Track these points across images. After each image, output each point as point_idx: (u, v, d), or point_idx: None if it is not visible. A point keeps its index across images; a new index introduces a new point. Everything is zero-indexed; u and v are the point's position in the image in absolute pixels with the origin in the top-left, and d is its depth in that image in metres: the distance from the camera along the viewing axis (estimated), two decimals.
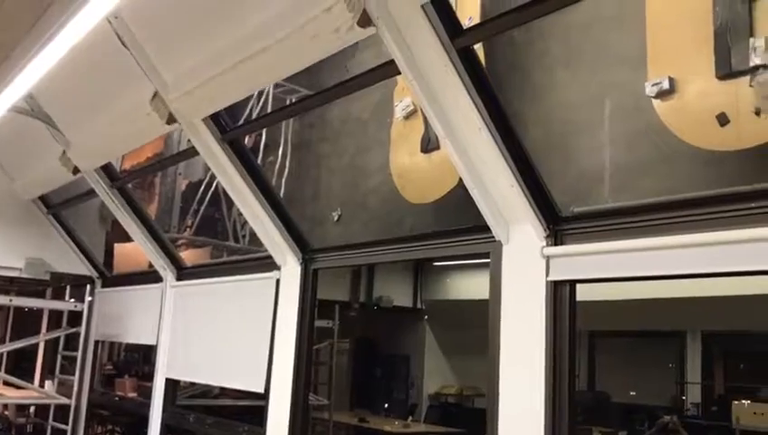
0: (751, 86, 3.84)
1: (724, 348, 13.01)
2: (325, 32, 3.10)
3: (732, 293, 7.86)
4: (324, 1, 3.03)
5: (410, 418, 11.58)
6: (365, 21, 2.93)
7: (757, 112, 3.74)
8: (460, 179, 3.37)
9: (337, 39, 3.09)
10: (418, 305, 12.41)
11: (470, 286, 10.91)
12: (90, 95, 5.26)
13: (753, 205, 2.56)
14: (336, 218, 8.03)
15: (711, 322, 10.94)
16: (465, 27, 3.05)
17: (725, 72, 3.95)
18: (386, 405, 12.56)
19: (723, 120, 3.85)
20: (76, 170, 5.99)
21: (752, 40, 3.87)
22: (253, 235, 5.19)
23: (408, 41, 2.99)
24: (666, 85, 4.24)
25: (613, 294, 8.56)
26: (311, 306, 4.69)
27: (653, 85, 4.31)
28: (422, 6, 2.86)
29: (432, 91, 3.11)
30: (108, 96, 5.08)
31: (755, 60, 3.82)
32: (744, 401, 10.18)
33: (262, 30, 3.48)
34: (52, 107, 5.72)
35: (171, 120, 4.41)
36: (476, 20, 4.47)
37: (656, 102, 4.35)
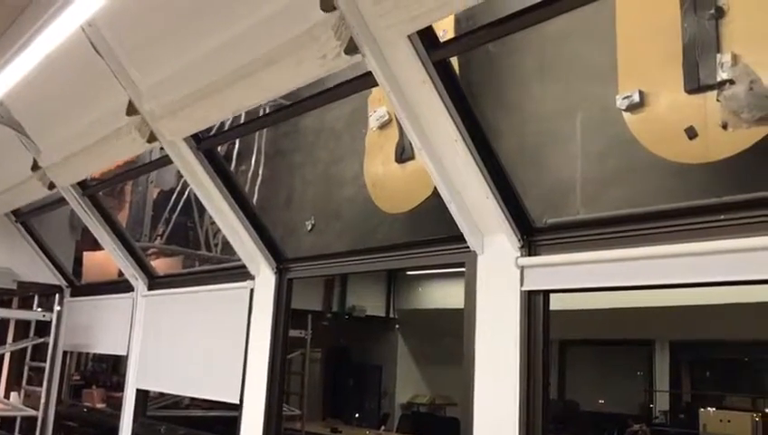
0: (718, 100, 3.93)
1: (691, 357, 13.23)
2: (311, 58, 3.13)
3: (699, 302, 8.01)
4: (311, 29, 3.07)
5: (383, 427, 11.56)
6: (351, 48, 2.97)
7: (724, 126, 3.84)
8: (435, 189, 3.41)
9: (323, 65, 3.12)
10: (391, 315, 12.42)
11: (443, 296, 10.96)
12: (65, 104, 5.19)
13: (721, 217, 2.63)
14: (309, 228, 8.01)
15: (679, 331, 11.12)
16: (440, 40, 3.09)
17: (694, 86, 4.03)
18: (356, 415, 12.53)
19: (691, 133, 3.93)
20: (52, 186, 5.91)
21: (719, 56, 3.97)
22: (225, 243, 5.16)
23: (385, 55, 3.02)
24: (636, 98, 4.32)
25: (583, 304, 8.67)
26: (285, 316, 4.68)
27: (624, 98, 4.39)
28: (408, 36, 2.89)
29: (409, 102, 3.15)
30: (83, 105, 5.03)
31: (722, 75, 3.92)
32: (710, 409, 10.36)
33: (248, 53, 3.49)
34: (23, 116, 5.64)
35: (152, 138, 4.39)
36: (450, 33, 4.51)
37: (626, 115, 4.43)
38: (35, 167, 5.87)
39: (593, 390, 12.89)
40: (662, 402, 12.83)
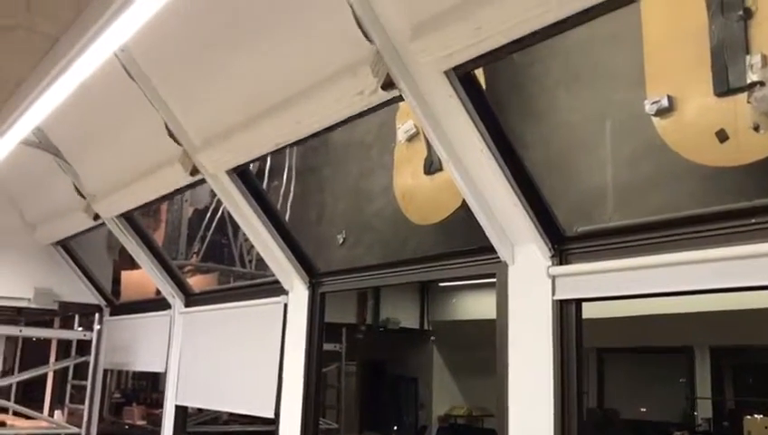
0: (749, 102, 3.89)
1: (733, 362, 12.96)
2: (349, 94, 3.21)
3: (739, 307, 7.86)
4: (350, 66, 3.13)
5: None
6: (388, 84, 3.02)
7: (756, 128, 3.79)
8: (464, 200, 3.42)
9: (360, 101, 3.19)
10: (426, 327, 12.40)
11: (477, 306, 10.93)
12: (107, 135, 5.35)
13: (753, 220, 2.59)
14: (341, 241, 8.07)
15: (719, 336, 10.91)
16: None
17: (723, 89, 4.00)
18: (395, 428, 12.51)
19: (722, 136, 3.89)
20: (97, 217, 6.13)
21: (748, 57, 3.93)
22: (259, 259, 5.24)
23: (421, 88, 3.06)
24: (665, 103, 4.30)
25: (621, 311, 8.56)
26: (318, 330, 4.71)
27: (652, 103, 4.36)
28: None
29: (434, 115, 3.17)
30: (125, 135, 5.19)
31: (752, 77, 3.88)
32: (756, 416, 10.13)
33: (287, 90, 3.59)
34: (62, 142, 5.81)
35: (195, 171, 4.55)
36: None
37: (656, 120, 4.40)
38: (80, 197, 6.08)
39: (633, 398, 12.69)
40: (704, 410, 12.57)
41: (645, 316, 8.73)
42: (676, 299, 7.32)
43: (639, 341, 11.65)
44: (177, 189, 5.26)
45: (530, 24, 2.54)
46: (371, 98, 3.12)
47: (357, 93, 3.16)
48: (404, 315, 11.87)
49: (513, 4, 2.51)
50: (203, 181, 4.82)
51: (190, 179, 4.76)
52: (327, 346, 9.12)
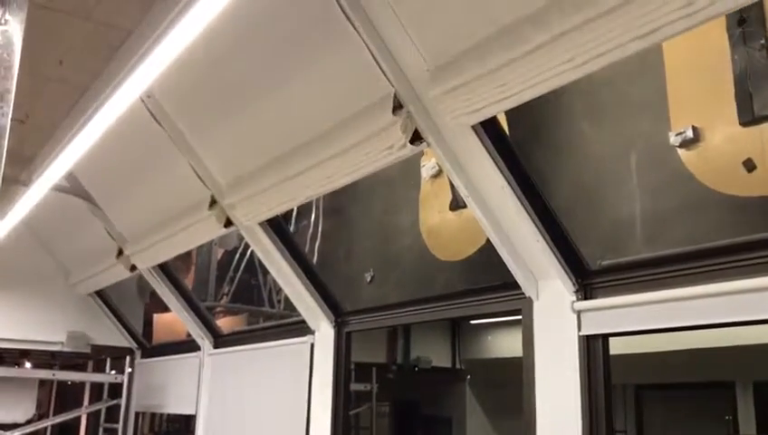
0: None
1: None
2: (378, 149, 3.30)
3: None
4: (379, 123, 3.21)
5: None
6: (416, 138, 3.10)
7: None
8: None
9: (389, 155, 3.27)
10: (458, 365, 12.23)
11: (509, 344, 10.76)
12: (138, 178, 5.48)
13: None
14: (369, 280, 8.05)
15: (762, 371, 10.57)
16: None
17: (748, 118, 3.95)
18: None
19: (749, 165, 3.84)
20: (134, 268, 6.29)
21: None
22: (288, 299, 5.25)
23: (438, 125, 3.12)
24: (689, 134, 4.26)
25: (657, 346, 8.36)
26: (345, 369, 4.69)
27: (677, 135, 4.33)
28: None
29: (458, 160, 3.18)
30: (161, 187, 5.35)
31: None
32: None
33: (316, 145, 3.69)
34: (94, 188, 5.96)
35: (229, 223, 4.68)
36: None
37: (681, 151, 4.35)
38: (116, 247, 6.26)
39: None
40: None
41: (683, 350, 8.51)
42: (715, 332, 7.14)
43: (679, 376, 11.34)
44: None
45: (557, 79, 2.56)
46: (400, 152, 3.20)
47: (386, 148, 3.25)
48: (435, 354, 11.72)
49: (539, 62, 2.53)
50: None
51: (224, 231, 4.87)
52: (357, 386, 9.05)
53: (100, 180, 5.83)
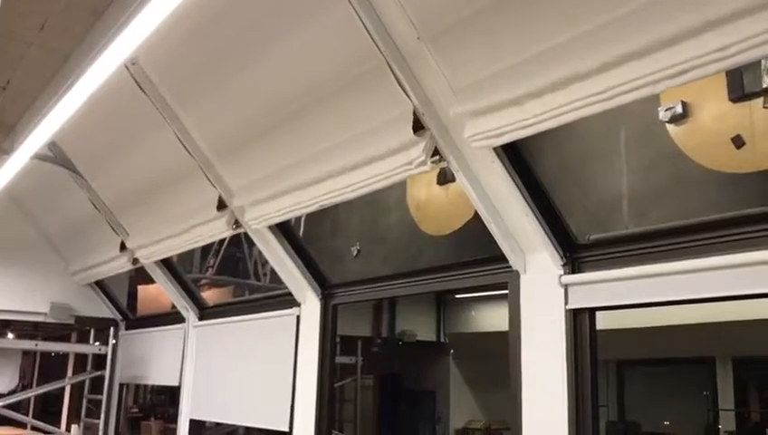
0: (765, 107, 3.83)
1: (757, 374, 12.72)
2: (398, 165, 3.28)
3: (761, 316, 7.72)
4: (400, 141, 3.20)
5: None
6: (436, 156, 3.14)
7: None
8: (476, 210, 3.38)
9: (407, 171, 3.26)
10: (442, 339, 12.31)
11: (493, 318, 10.83)
12: (124, 151, 5.40)
13: None
14: (355, 254, 8.04)
15: (742, 347, 10.71)
16: None
17: (738, 94, 3.94)
18: None
19: (738, 142, 3.83)
20: (136, 262, 6.26)
21: (763, 62, 3.87)
22: (273, 273, 5.22)
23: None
24: (679, 110, 4.24)
25: (640, 322, 8.44)
26: (331, 342, 4.69)
27: (666, 110, 4.31)
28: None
29: (444, 125, 3.14)
30: (173, 195, 5.28)
31: None
32: None
33: (335, 156, 3.65)
34: (79, 157, 5.88)
35: (238, 225, 4.67)
36: None
37: (670, 127, 4.34)
38: (123, 248, 6.26)
39: (655, 410, 12.49)
40: (728, 422, 12.34)
41: (665, 327, 8.60)
42: (697, 309, 7.22)
43: (660, 352, 11.48)
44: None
45: (577, 112, 2.56)
46: (419, 169, 3.20)
47: (405, 163, 3.24)
48: (420, 328, 11.79)
49: (559, 94, 2.55)
50: None
51: (231, 232, 4.83)
52: (343, 359, 9.09)
53: (84, 150, 5.74)
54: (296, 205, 4.07)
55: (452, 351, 12.45)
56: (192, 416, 6.18)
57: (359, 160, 3.50)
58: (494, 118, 2.81)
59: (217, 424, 7.95)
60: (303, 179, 3.91)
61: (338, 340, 5.10)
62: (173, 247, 5.65)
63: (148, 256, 6.06)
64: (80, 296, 7.57)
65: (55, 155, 5.82)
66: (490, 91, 2.79)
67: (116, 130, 5.23)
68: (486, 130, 2.86)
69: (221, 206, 4.66)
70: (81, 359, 8.77)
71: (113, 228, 6.22)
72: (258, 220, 4.47)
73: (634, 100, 2.40)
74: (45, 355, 10.81)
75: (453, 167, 3.18)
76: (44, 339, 8.03)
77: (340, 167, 3.62)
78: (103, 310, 7.74)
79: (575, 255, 3.16)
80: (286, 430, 4.86)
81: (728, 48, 2.08)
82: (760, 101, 3.82)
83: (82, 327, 7.87)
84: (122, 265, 6.45)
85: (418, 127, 3.11)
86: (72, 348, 8.41)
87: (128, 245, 6.21)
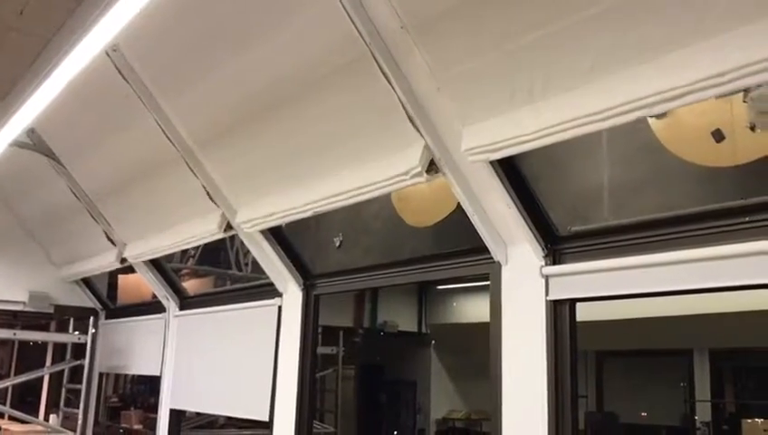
0: (745, 102, 3.86)
1: (733, 365, 12.91)
2: (395, 174, 3.30)
3: (739, 309, 7.82)
4: (400, 154, 3.23)
5: None
6: (432, 169, 3.17)
7: (752, 128, 3.75)
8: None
9: (402, 181, 3.30)
10: (424, 330, 12.36)
11: (475, 309, 10.89)
12: (105, 139, 5.33)
13: (747, 219, 2.57)
14: (338, 244, 8.02)
15: (719, 339, 10.87)
16: None
17: None
18: (395, 432, 12.46)
19: (718, 136, 3.85)
20: (124, 261, 6.22)
21: None
22: (255, 262, 5.21)
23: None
24: None
25: (620, 314, 8.53)
26: (313, 332, 4.68)
27: None
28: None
29: (427, 116, 3.14)
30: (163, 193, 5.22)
31: None
32: (756, 420, 10.09)
33: (332, 165, 3.67)
34: (58, 145, 5.80)
35: (228, 228, 4.68)
36: None
37: (651, 121, 4.36)
38: (111, 243, 6.22)
39: (633, 401, 12.64)
40: (704, 413, 12.51)
41: (644, 319, 8.70)
42: (676, 302, 7.29)
43: (639, 344, 11.61)
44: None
45: (569, 132, 2.61)
46: (414, 179, 3.23)
47: (401, 174, 3.26)
48: (402, 319, 11.82)
49: (555, 115, 2.59)
50: None
51: (222, 235, 4.82)
52: (324, 350, 9.09)
53: (65, 137, 5.67)
54: (291, 210, 4.07)
55: (433, 341, 12.51)
56: (172, 406, 6.15)
57: (355, 169, 3.53)
58: (487, 136, 2.85)
59: (198, 414, 7.94)
60: (298, 186, 3.92)
61: (319, 330, 5.09)
62: (163, 249, 5.62)
63: (137, 257, 6.02)
64: (59, 286, 7.51)
65: (34, 142, 5.75)
66: (486, 108, 2.81)
67: (97, 118, 5.16)
68: (482, 145, 2.90)
69: (213, 206, 4.65)
70: (60, 348, 8.71)
71: (94, 218, 6.15)
72: (251, 225, 4.47)
73: (633, 120, 2.47)
74: (24, 344, 10.71)
75: (437, 159, 3.18)
76: (23, 328, 7.94)
77: (342, 180, 3.65)
78: (83, 299, 7.68)
79: (556, 246, 3.18)
80: (266, 419, 4.86)
81: (725, 75, 2.13)
82: (740, 95, 3.85)
83: (62, 316, 7.80)
84: (111, 264, 6.42)
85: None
86: (50, 337, 8.34)
87: (117, 244, 6.19)
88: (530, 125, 2.69)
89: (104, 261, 6.46)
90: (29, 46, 4.21)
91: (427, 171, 3.16)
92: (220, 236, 4.81)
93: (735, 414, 11.67)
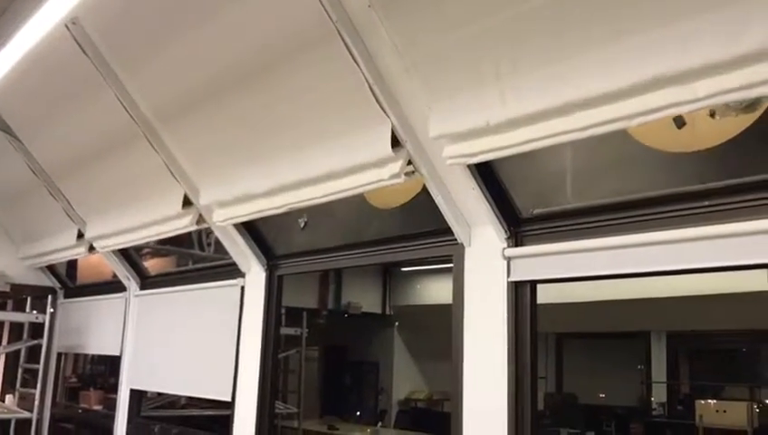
0: None
1: (689, 347, 13.25)
2: (372, 175, 3.29)
3: (695, 292, 8.00)
4: (377, 155, 3.21)
5: (380, 424, 11.57)
6: (409, 171, 3.19)
7: (712, 114, 3.81)
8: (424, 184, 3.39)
9: (379, 182, 3.27)
10: (387, 311, 12.41)
11: (438, 291, 10.96)
12: (64, 115, 5.19)
13: (706, 203, 2.62)
14: (303, 225, 7.98)
15: (675, 322, 11.14)
16: None
17: None
18: (356, 412, 12.53)
19: (679, 122, 3.91)
20: (92, 249, 6.05)
21: None
22: (218, 242, 5.16)
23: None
24: None
25: (579, 297, 8.66)
26: (276, 313, 4.67)
27: None
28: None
29: (394, 98, 3.13)
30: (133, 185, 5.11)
31: None
32: (710, 401, 10.38)
33: (312, 165, 3.61)
34: (15, 120, 5.65)
35: (201, 221, 4.61)
36: None
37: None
38: (80, 236, 6.06)
39: (592, 382, 12.91)
40: (660, 394, 12.84)
41: (603, 302, 8.85)
42: (634, 285, 7.43)
43: (598, 326, 11.83)
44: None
45: (549, 140, 2.71)
46: (391, 181, 3.22)
47: (379, 176, 3.26)
48: (366, 301, 11.85)
49: (538, 128, 2.64)
50: None
51: (194, 228, 4.74)
52: (287, 330, 9.06)
53: (21, 112, 5.52)
54: (265, 207, 4.04)
55: (397, 323, 12.57)
56: (133, 386, 6.10)
57: (332, 168, 3.48)
58: (466, 145, 2.86)
59: (159, 394, 7.87)
60: (274, 184, 3.87)
61: (283, 311, 5.07)
62: (134, 240, 5.50)
63: (105, 247, 5.89)
64: (16, 263, 7.34)
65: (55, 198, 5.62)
66: (464, 113, 2.80)
67: (56, 93, 5.03)
68: (461, 153, 2.91)
69: (186, 203, 4.57)
70: (16, 328, 8.53)
71: (53, 195, 6.01)
72: (225, 220, 4.41)
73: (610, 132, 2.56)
74: None
75: (402, 141, 3.17)
76: None
77: (313, 174, 3.61)
78: (41, 278, 7.53)
79: (519, 229, 3.21)
80: (229, 400, 4.84)
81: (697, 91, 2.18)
82: None
83: (19, 295, 7.64)
84: (79, 253, 6.27)
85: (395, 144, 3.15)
86: (7, 316, 8.16)
87: (76, 223, 6.04)
88: (498, 112, 2.68)
89: (73, 250, 6.29)
90: None
91: (405, 174, 3.18)
92: (193, 229, 4.74)
93: (690, 395, 12.00)
